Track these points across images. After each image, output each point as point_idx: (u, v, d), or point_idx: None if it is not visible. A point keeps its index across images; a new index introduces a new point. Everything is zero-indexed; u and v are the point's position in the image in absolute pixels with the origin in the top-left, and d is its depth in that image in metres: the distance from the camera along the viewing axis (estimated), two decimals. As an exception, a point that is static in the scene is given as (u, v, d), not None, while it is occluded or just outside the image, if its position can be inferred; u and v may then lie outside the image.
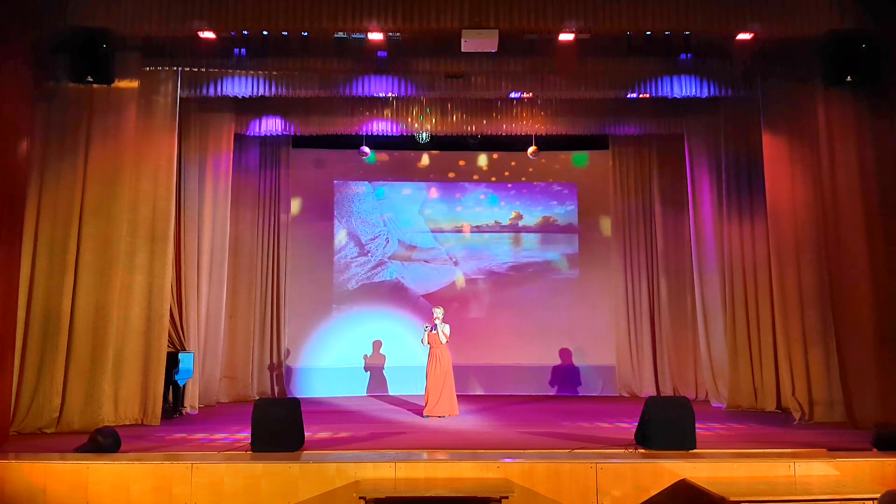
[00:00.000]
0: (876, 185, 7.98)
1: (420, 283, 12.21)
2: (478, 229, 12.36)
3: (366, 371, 11.74)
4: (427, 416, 8.85)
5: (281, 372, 11.60)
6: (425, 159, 12.41)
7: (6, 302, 6.92)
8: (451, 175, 12.46)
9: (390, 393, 11.48)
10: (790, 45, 8.28)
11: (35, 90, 7.58)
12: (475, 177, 12.46)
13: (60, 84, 8.00)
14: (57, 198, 8.02)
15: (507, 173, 12.46)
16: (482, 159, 12.47)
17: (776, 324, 9.11)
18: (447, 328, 9.14)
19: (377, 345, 11.79)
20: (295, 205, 12.14)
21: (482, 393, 11.35)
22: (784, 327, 8.80)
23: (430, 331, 9.07)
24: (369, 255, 12.24)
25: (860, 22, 7.76)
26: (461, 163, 12.48)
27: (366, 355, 11.76)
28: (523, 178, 12.44)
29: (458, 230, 12.34)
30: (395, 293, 12.16)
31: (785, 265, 8.80)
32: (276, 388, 11.49)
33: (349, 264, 12.18)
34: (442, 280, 12.25)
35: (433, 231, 12.34)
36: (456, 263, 12.27)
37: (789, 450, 6.36)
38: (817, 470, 5.74)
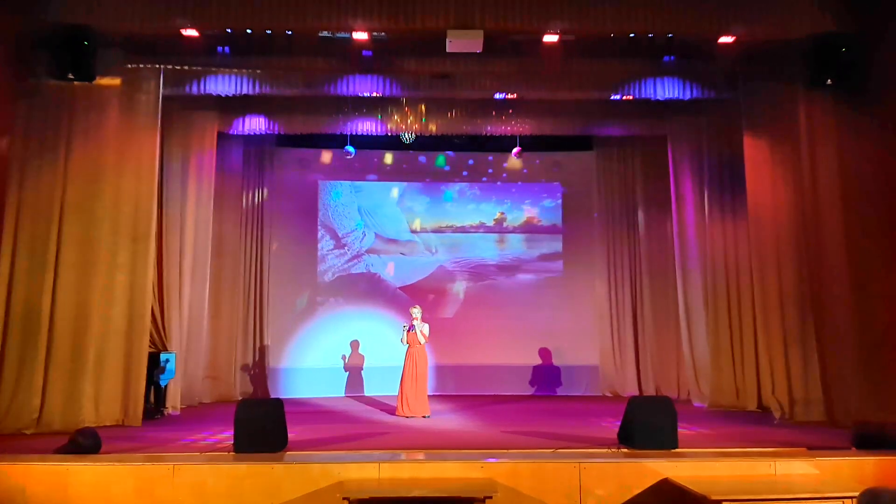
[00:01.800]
0: (856, 187, 8.07)
1: (398, 277, 12.21)
2: (462, 229, 12.37)
3: (349, 372, 11.71)
4: (399, 416, 8.84)
5: (264, 372, 11.54)
6: (410, 159, 12.39)
7: (-15, 301, 6.85)
8: (436, 175, 12.46)
9: (373, 394, 11.43)
10: (772, 48, 8.36)
11: (16, 87, 7.50)
12: (460, 177, 12.47)
13: (42, 81, 7.91)
14: (37, 196, 7.93)
15: (491, 173, 12.48)
16: (467, 159, 12.48)
17: (757, 323, 9.18)
18: (426, 328, 9.14)
19: (356, 345, 11.76)
20: (278, 204, 12.07)
21: (465, 393, 11.36)
22: (765, 327, 8.88)
23: (409, 330, 9.05)
24: (345, 248, 12.21)
25: (841, 25, 7.86)
26: (446, 162, 12.47)
27: (344, 356, 11.72)
28: (508, 179, 12.47)
29: (442, 230, 12.34)
30: (374, 287, 12.12)
31: (765, 266, 8.87)
32: (258, 389, 11.44)
33: (329, 260, 12.16)
34: (421, 273, 12.24)
35: (417, 231, 12.33)
36: (434, 252, 12.26)
37: (770, 449, 6.42)
38: (798, 469, 5.80)
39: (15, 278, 7.74)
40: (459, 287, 12.28)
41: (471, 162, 12.49)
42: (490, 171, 12.48)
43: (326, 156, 12.22)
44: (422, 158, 12.42)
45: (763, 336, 8.91)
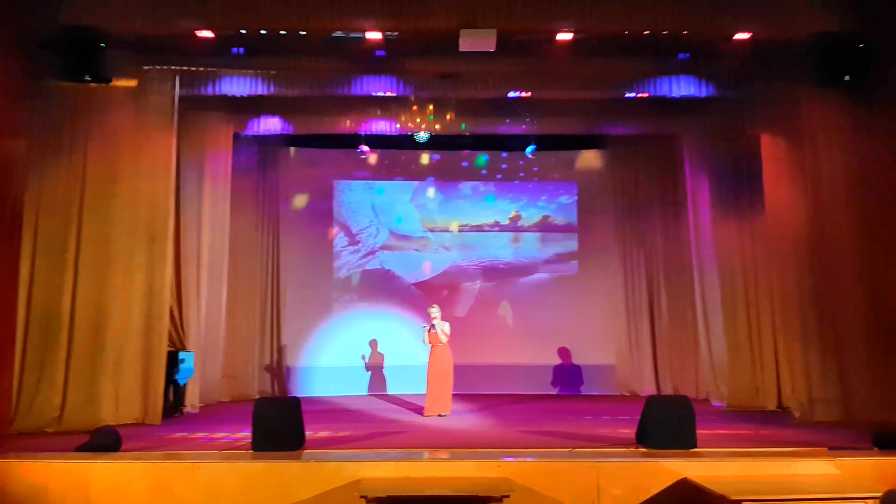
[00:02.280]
0: (869, 185, 7.98)
1: (412, 274, 12.21)
2: (477, 228, 12.35)
3: (367, 371, 11.73)
4: (427, 416, 8.85)
5: (281, 371, 11.60)
6: (424, 159, 12.40)
7: (6, 301, 6.92)
8: (450, 174, 12.45)
9: (390, 392, 11.47)
10: (785, 46, 8.28)
11: (33, 89, 7.55)
12: (474, 176, 12.46)
13: (58, 83, 7.95)
14: (55, 197, 8.01)
15: (505, 173, 12.45)
16: (481, 159, 12.47)
17: (776, 322, 9.11)
18: (447, 326, 9.10)
19: (374, 343, 11.80)
20: (293, 204, 12.14)
21: (482, 392, 11.34)
22: (783, 326, 8.81)
23: (430, 330, 9.05)
24: (359, 244, 12.23)
25: (853, 23, 7.78)
26: (460, 162, 12.47)
27: (364, 355, 11.75)
28: (522, 178, 12.44)
29: (457, 229, 12.33)
30: (389, 284, 12.13)
31: (783, 264, 8.80)
32: (276, 388, 11.50)
33: (344, 258, 12.19)
34: (436, 270, 12.24)
35: (432, 231, 12.33)
36: (449, 249, 12.28)
37: (790, 448, 6.38)
38: (818, 469, 5.75)
39: (35, 279, 7.83)
40: (474, 285, 12.26)
41: (484, 161, 12.45)
42: (503, 170, 12.42)
43: (340, 155, 12.24)
44: (436, 158, 12.41)
45: (782, 335, 8.85)
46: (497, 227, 12.37)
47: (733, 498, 4.97)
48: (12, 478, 5.66)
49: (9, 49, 7.13)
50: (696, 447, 6.23)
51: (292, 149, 12.13)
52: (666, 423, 6.32)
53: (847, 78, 7.85)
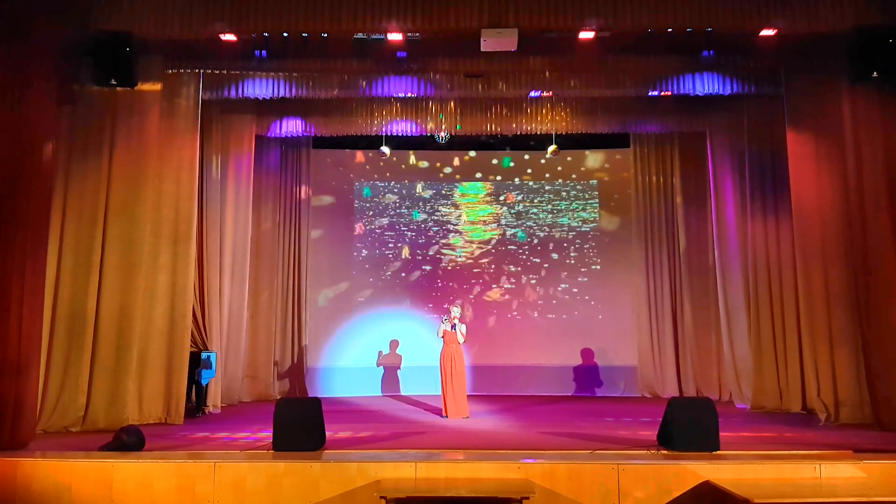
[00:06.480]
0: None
1: (434, 276, 12.22)
2: (498, 228, 12.33)
3: (385, 370, 11.75)
4: (446, 417, 8.85)
5: (302, 371, 11.66)
6: (445, 159, 12.41)
7: (33, 302, 7.01)
8: (470, 174, 12.46)
9: (409, 393, 11.49)
10: (815, 41, 8.15)
11: (60, 93, 7.65)
12: (495, 176, 12.45)
13: (85, 87, 8.09)
14: (82, 199, 8.12)
15: (527, 172, 12.44)
16: (502, 158, 12.45)
17: (801, 323, 8.95)
18: (464, 328, 9.14)
19: (394, 344, 11.81)
20: (315, 205, 12.21)
21: (503, 393, 11.33)
22: (810, 327, 8.66)
23: (451, 328, 9.03)
24: (382, 247, 12.26)
25: (886, 16, 7.63)
26: (480, 162, 12.47)
27: (381, 352, 11.76)
28: (544, 177, 12.41)
29: (478, 230, 12.32)
30: (410, 285, 12.16)
31: (810, 264, 8.65)
32: (297, 388, 11.57)
33: (366, 260, 12.24)
34: (458, 272, 12.25)
35: (453, 231, 12.33)
36: (469, 250, 12.26)
37: (815, 451, 6.28)
38: (843, 472, 5.65)
39: (61, 280, 7.94)
40: (494, 286, 12.24)
41: (505, 161, 12.44)
42: (525, 169, 12.43)
43: (361, 156, 12.32)
44: (457, 158, 12.42)
45: (808, 336, 8.68)
46: (518, 226, 12.33)
47: (756, 501, 4.90)
48: (37, 477, 5.74)
49: (46, 58, 7.24)
50: (718, 449, 6.15)
51: (314, 150, 12.19)
52: (688, 425, 6.25)
53: (882, 72, 7.70)
